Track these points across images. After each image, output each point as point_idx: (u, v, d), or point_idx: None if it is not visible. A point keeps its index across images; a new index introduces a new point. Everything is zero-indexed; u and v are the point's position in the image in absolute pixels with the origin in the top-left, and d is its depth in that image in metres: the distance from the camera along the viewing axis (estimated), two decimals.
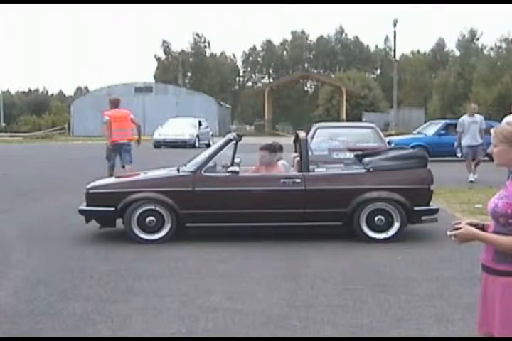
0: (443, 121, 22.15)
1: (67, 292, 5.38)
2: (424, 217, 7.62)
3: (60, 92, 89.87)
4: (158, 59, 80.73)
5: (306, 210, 7.42)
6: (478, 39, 68.91)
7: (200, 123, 31.81)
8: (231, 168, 7.64)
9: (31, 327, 4.49)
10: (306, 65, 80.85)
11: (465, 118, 14.11)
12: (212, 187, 7.51)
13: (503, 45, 59.72)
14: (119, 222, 7.66)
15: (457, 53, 69.77)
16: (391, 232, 7.45)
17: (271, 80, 76.91)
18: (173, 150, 26.36)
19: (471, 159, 13.86)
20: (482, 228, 2.83)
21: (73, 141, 38.37)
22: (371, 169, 7.56)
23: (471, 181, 13.58)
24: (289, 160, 8.66)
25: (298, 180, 7.46)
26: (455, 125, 15.23)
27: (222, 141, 8.12)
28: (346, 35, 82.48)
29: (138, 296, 5.27)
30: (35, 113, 60.79)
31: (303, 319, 4.65)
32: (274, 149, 8.10)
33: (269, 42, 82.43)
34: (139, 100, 48.85)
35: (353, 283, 5.66)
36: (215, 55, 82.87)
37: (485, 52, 64.48)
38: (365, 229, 7.45)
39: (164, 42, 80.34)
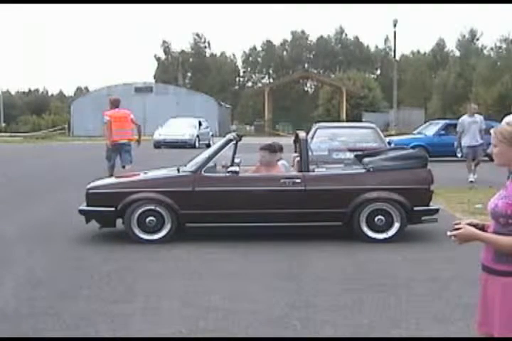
0: (443, 121, 22.14)
1: (67, 292, 5.39)
2: (424, 217, 7.61)
3: (60, 92, 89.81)
4: (158, 59, 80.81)
5: (306, 210, 7.42)
6: (478, 39, 68.97)
7: (200, 124, 31.77)
8: (231, 168, 7.64)
9: (31, 327, 4.49)
10: (306, 65, 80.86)
11: (465, 119, 14.10)
12: (212, 187, 7.51)
13: (503, 45, 59.78)
14: (119, 222, 7.66)
15: (457, 53, 69.78)
16: (391, 232, 7.46)
17: (271, 80, 76.89)
18: (173, 150, 26.33)
19: (471, 159, 13.85)
20: (482, 228, 2.83)
21: (73, 141, 38.32)
22: (371, 169, 7.57)
23: (471, 181, 13.57)
24: (289, 160, 8.66)
25: (298, 180, 7.46)
26: (455, 125, 15.22)
27: (222, 141, 8.13)
28: (346, 35, 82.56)
29: (138, 296, 5.27)
30: (35, 113, 60.67)
31: (303, 319, 4.65)
32: (274, 149, 8.10)
33: (269, 42, 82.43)
34: (139, 100, 48.75)
35: (353, 283, 5.66)
36: (215, 55, 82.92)
37: (485, 52, 64.53)
38: (365, 229, 7.45)
39: (164, 42, 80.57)
